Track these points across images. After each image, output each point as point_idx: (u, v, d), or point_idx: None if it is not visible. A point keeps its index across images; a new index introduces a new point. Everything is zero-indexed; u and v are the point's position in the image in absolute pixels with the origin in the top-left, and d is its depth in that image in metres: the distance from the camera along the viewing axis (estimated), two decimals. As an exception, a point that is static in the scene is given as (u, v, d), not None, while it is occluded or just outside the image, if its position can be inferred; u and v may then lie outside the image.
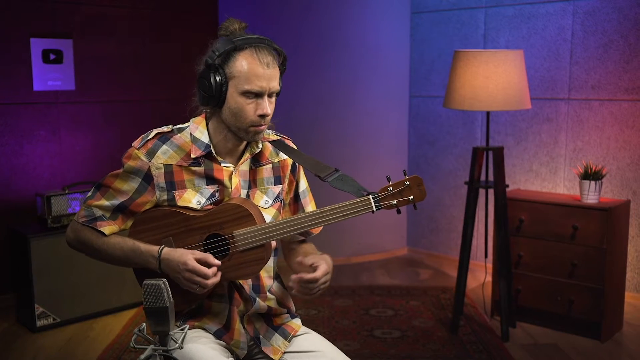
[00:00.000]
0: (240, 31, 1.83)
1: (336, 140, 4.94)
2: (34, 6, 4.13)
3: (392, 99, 5.11)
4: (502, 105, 3.43)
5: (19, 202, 4.14)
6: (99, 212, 1.87)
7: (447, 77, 4.53)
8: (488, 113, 3.64)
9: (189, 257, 1.75)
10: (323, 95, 4.92)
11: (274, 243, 1.94)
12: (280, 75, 1.86)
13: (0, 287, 4.07)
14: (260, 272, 1.92)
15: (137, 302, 3.98)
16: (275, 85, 1.81)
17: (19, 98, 4.12)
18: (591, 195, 3.59)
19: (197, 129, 1.88)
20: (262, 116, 1.80)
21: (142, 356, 1.52)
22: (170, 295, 1.52)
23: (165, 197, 1.85)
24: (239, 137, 1.86)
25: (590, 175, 3.59)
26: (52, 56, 4.20)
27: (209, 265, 1.75)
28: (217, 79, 1.78)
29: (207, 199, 1.86)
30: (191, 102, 1.91)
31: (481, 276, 4.52)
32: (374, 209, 1.75)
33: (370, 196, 1.75)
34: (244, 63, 1.77)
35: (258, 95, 1.79)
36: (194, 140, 1.86)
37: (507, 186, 3.65)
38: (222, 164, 1.87)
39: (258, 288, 1.92)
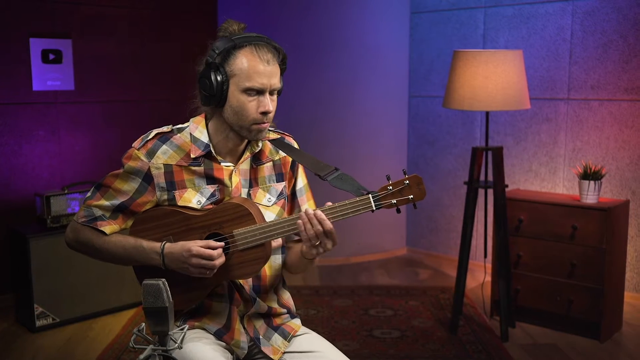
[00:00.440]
0: (240, 32, 1.83)
1: (335, 140, 4.94)
2: (34, 6, 4.13)
3: (392, 99, 5.11)
4: (501, 105, 3.43)
5: (18, 202, 4.14)
6: (99, 212, 1.87)
7: (446, 77, 4.53)
8: (487, 113, 3.64)
9: (191, 244, 1.76)
10: (322, 95, 4.92)
11: (278, 241, 1.94)
12: (281, 73, 1.86)
13: (0, 287, 4.07)
14: (266, 270, 1.93)
15: (137, 302, 3.98)
16: (276, 82, 1.81)
17: (18, 98, 4.12)
18: (590, 195, 3.59)
19: (197, 129, 1.88)
20: (264, 113, 1.80)
21: (142, 356, 1.52)
22: (170, 295, 1.52)
23: (165, 197, 1.85)
24: (241, 136, 1.85)
25: (590, 175, 3.59)
26: (51, 56, 4.20)
27: (212, 248, 1.76)
28: (218, 77, 1.78)
29: (207, 199, 1.86)
30: (191, 102, 1.91)
31: (480, 276, 4.52)
32: (374, 208, 1.75)
33: (370, 195, 1.75)
34: (244, 60, 1.77)
35: (259, 92, 1.79)
36: (194, 140, 1.86)
37: (507, 186, 3.65)
38: (222, 163, 1.87)
39: (259, 288, 1.92)
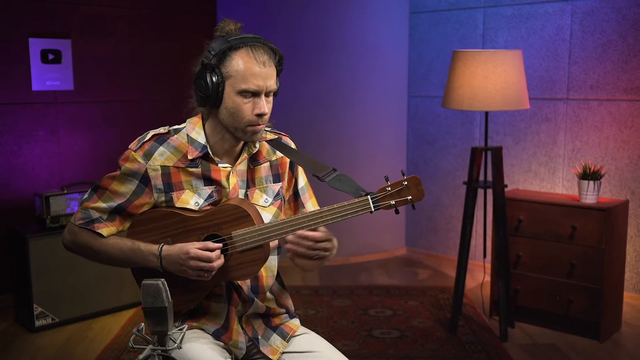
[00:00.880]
0: (236, 32, 1.82)
1: (335, 141, 4.94)
2: (33, 6, 4.13)
3: (391, 99, 5.11)
4: (500, 105, 3.43)
5: (17, 202, 4.14)
6: (96, 214, 1.86)
7: (445, 77, 4.53)
8: (487, 113, 3.64)
9: (189, 246, 1.75)
10: (322, 96, 4.92)
11: (275, 242, 1.94)
12: (278, 74, 1.86)
13: (-1, 287, 4.08)
14: (262, 272, 1.92)
15: (136, 302, 3.98)
16: (272, 84, 1.81)
17: (18, 98, 4.12)
18: (590, 195, 3.59)
19: (194, 130, 1.87)
20: (260, 115, 1.80)
21: (141, 356, 1.52)
22: (169, 296, 1.52)
23: (163, 198, 1.85)
24: (237, 138, 1.85)
25: (589, 175, 3.59)
26: (50, 56, 4.20)
27: (210, 250, 1.75)
28: (214, 79, 1.78)
29: (205, 200, 1.86)
30: (188, 103, 1.91)
31: (480, 276, 4.52)
32: (372, 209, 1.75)
33: (369, 196, 1.75)
34: (240, 62, 1.77)
35: (255, 94, 1.79)
36: (191, 141, 1.86)
37: (506, 186, 3.65)
38: (219, 165, 1.87)
39: (257, 289, 1.92)
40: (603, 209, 3.49)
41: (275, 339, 1.95)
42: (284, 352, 1.94)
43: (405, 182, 1.75)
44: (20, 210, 4.14)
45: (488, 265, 4.08)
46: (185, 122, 1.91)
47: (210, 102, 1.81)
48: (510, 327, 3.71)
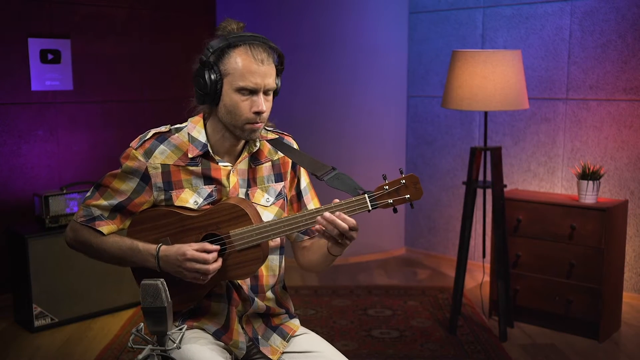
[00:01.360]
0: (238, 31, 1.82)
1: (334, 140, 4.94)
2: (32, 6, 4.13)
3: (390, 99, 5.11)
4: (500, 105, 3.44)
5: (16, 202, 4.14)
6: (97, 212, 1.87)
7: (445, 77, 4.54)
8: (486, 113, 3.64)
9: (186, 247, 1.75)
10: (321, 95, 4.92)
11: (277, 241, 1.94)
12: (279, 74, 1.86)
13: (-2, 287, 4.08)
14: (262, 271, 1.92)
15: (135, 302, 3.98)
16: (270, 82, 1.80)
17: (17, 98, 4.12)
18: (589, 195, 3.59)
19: (195, 129, 1.87)
20: (258, 113, 1.80)
21: (140, 356, 1.52)
22: (168, 296, 1.52)
23: (162, 197, 1.85)
24: (236, 136, 1.85)
25: (588, 175, 3.59)
26: (50, 56, 4.20)
27: (207, 252, 1.75)
28: (212, 76, 1.78)
29: (204, 199, 1.85)
30: (189, 102, 1.91)
31: (479, 276, 4.52)
32: (370, 208, 1.74)
33: (366, 195, 1.74)
34: (238, 60, 1.77)
35: (253, 92, 1.79)
36: (192, 139, 1.86)
37: (505, 186, 3.65)
38: (220, 163, 1.87)
39: (257, 288, 1.92)
40: (602, 209, 3.50)
41: (275, 339, 1.94)
42: (283, 352, 1.94)
43: (403, 181, 1.74)
44: (20, 210, 4.14)
45: (487, 265, 4.08)
46: (186, 121, 1.91)
47: (208, 99, 1.81)
48: (510, 327, 3.71)
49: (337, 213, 1.72)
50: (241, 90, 1.78)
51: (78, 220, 1.88)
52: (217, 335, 1.88)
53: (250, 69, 1.77)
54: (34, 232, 3.69)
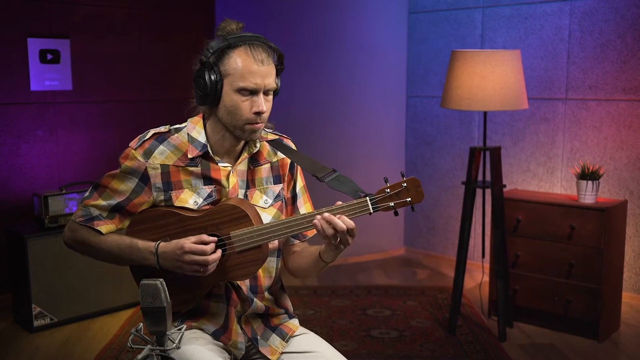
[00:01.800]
0: (238, 31, 1.82)
1: (333, 141, 4.95)
2: (32, 6, 4.13)
3: (390, 99, 5.11)
4: (499, 105, 3.44)
5: (16, 202, 4.14)
6: (96, 212, 1.87)
7: (444, 77, 4.54)
8: (485, 113, 3.65)
9: (184, 241, 1.75)
10: (320, 96, 4.92)
11: (275, 243, 1.94)
12: (278, 73, 1.86)
13: (-3, 287, 4.08)
14: (259, 272, 1.92)
15: (135, 302, 3.98)
16: (270, 82, 1.80)
17: (16, 98, 4.12)
18: (588, 195, 3.59)
19: (194, 129, 1.87)
20: (258, 114, 1.79)
21: (139, 356, 1.52)
22: (168, 296, 1.52)
23: (162, 197, 1.85)
24: (237, 137, 1.85)
25: (588, 175, 3.59)
26: (49, 56, 4.20)
27: (205, 244, 1.75)
28: (212, 77, 1.78)
29: (204, 200, 1.85)
30: (189, 102, 1.91)
31: (478, 276, 4.52)
32: (371, 211, 1.74)
33: (368, 198, 1.74)
34: (238, 60, 1.77)
35: (253, 92, 1.79)
36: (191, 140, 1.86)
37: (505, 186, 3.66)
38: (220, 164, 1.87)
39: (256, 288, 1.92)
40: (601, 209, 3.50)
41: (275, 339, 1.94)
42: (283, 353, 1.94)
43: (405, 184, 1.74)
44: (19, 210, 4.14)
45: (487, 265, 4.08)
46: (186, 121, 1.91)
47: (209, 100, 1.81)
48: (509, 327, 3.71)
49: (338, 215, 1.72)
50: (241, 91, 1.78)
51: (76, 220, 1.88)
52: (216, 336, 1.88)
53: (251, 69, 1.77)
54: (33, 232, 3.69)
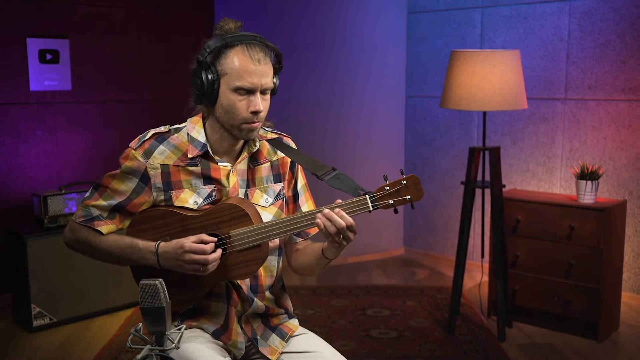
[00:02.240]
0: (236, 30, 1.83)
1: (332, 141, 4.95)
2: (31, 6, 4.12)
3: (389, 99, 5.11)
4: (498, 105, 3.44)
5: (15, 202, 4.13)
6: (96, 212, 1.87)
7: (443, 77, 4.54)
8: (485, 113, 3.65)
9: (183, 240, 1.75)
10: (319, 95, 4.92)
11: (276, 242, 1.94)
12: (277, 73, 1.86)
13: (-3, 288, 4.08)
14: (260, 271, 1.92)
15: (134, 302, 3.98)
16: (267, 81, 1.80)
17: (16, 98, 4.12)
18: (588, 195, 3.59)
19: (194, 129, 1.87)
20: (255, 113, 1.80)
21: (139, 356, 1.52)
22: (167, 296, 1.52)
23: (162, 197, 1.85)
24: (234, 136, 1.85)
25: (587, 175, 3.59)
26: (48, 56, 4.20)
27: (205, 243, 1.75)
28: (209, 76, 1.78)
29: (204, 199, 1.85)
30: (188, 102, 1.91)
31: (478, 276, 4.52)
32: (371, 209, 1.74)
33: (367, 196, 1.74)
34: (235, 59, 1.77)
35: (250, 91, 1.79)
36: (191, 140, 1.86)
37: (504, 186, 3.66)
38: (219, 163, 1.87)
39: (256, 288, 1.92)
40: (601, 209, 3.50)
41: (274, 339, 1.94)
42: (282, 352, 1.94)
43: (404, 182, 1.74)
44: (18, 210, 4.13)
45: (486, 265, 4.08)
46: (185, 121, 1.91)
47: (206, 99, 1.81)
48: (508, 327, 3.71)
49: (337, 210, 1.72)
50: (238, 90, 1.78)
51: (77, 220, 1.88)
52: (216, 335, 1.88)
53: (247, 68, 1.77)
54: (32, 232, 3.69)
